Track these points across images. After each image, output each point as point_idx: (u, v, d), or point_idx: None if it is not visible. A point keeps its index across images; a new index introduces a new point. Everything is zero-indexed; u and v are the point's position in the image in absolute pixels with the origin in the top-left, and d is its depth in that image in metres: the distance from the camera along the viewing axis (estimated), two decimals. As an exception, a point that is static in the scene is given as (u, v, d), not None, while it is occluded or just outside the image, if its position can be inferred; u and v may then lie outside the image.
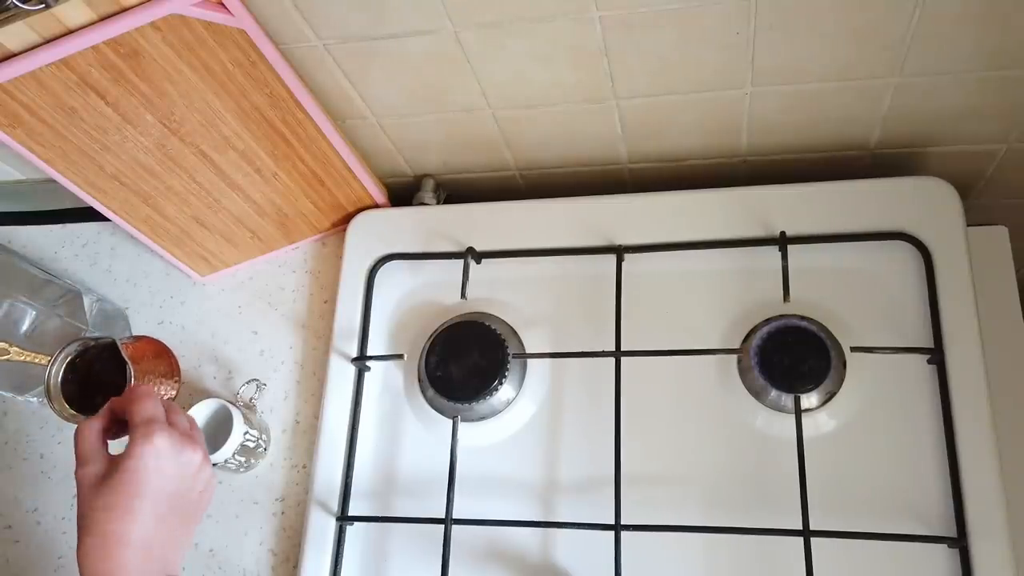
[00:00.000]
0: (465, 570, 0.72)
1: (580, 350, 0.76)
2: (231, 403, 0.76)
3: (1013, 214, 0.86)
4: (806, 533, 0.65)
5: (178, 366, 0.83)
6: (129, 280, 0.92)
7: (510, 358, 0.75)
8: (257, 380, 0.82)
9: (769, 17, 0.65)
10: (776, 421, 0.71)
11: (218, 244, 0.86)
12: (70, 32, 0.61)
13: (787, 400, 0.69)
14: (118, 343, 0.74)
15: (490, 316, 0.79)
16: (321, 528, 0.75)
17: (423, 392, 0.78)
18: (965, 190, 0.78)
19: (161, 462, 0.58)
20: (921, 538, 0.65)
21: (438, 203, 0.89)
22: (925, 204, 0.74)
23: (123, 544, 0.55)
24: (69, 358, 0.75)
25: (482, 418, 0.76)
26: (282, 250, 0.90)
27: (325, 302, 0.87)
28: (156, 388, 0.79)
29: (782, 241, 0.73)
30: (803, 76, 0.71)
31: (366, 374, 0.80)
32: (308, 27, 0.69)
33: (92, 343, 0.75)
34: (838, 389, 0.70)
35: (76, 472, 0.58)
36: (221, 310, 0.89)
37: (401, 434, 0.78)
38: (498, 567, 0.72)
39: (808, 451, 0.67)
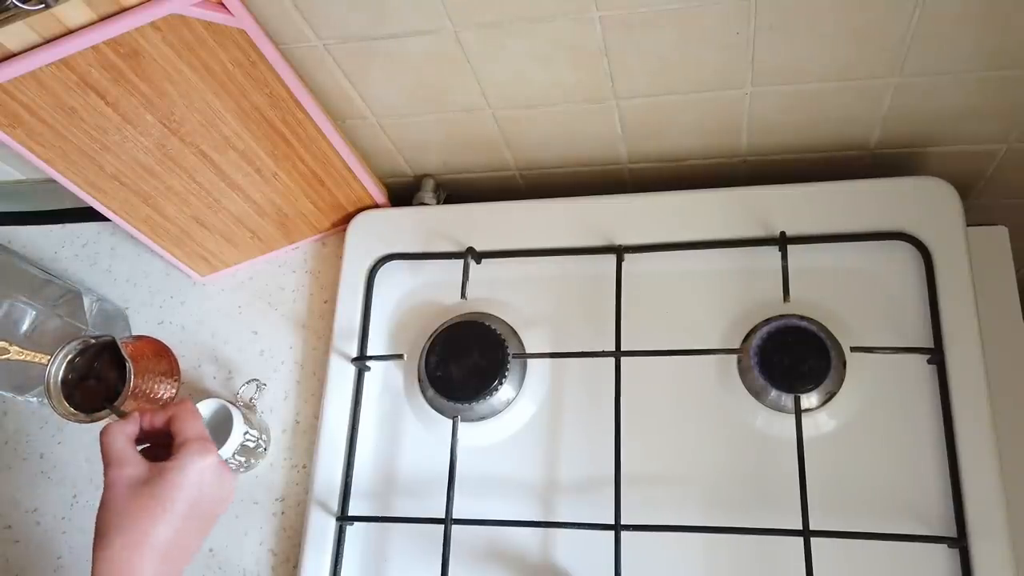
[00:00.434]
0: (465, 570, 0.72)
1: (580, 350, 0.76)
2: (231, 403, 0.76)
3: (1013, 214, 0.86)
4: (806, 533, 0.65)
5: (178, 366, 0.83)
6: (129, 280, 0.92)
7: (510, 358, 0.75)
8: (257, 380, 0.82)
9: (769, 17, 0.65)
10: (776, 421, 0.71)
11: (218, 244, 0.86)
12: (70, 32, 0.61)
13: (787, 400, 0.69)
14: (118, 341, 0.75)
15: (490, 316, 0.79)
16: (321, 528, 0.75)
17: (423, 392, 0.78)
18: (965, 190, 0.78)
19: (205, 479, 0.60)
20: (921, 538, 0.65)
21: (438, 203, 0.89)
22: (925, 204, 0.74)
23: (149, 547, 0.57)
24: (69, 356, 0.75)
25: (482, 418, 0.76)
26: (282, 250, 0.90)
27: (325, 302, 0.87)
28: (155, 387, 0.79)
29: (782, 241, 0.73)
30: (803, 76, 0.71)
31: (366, 374, 0.80)
32: (308, 27, 0.69)
33: (92, 341, 0.76)
34: (838, 389, 0.70)
35: (109, 472, 0.60)
36: (221, 310, 0.89)
37: (401, 434, 0.78)
38: (498, 567, 0.72)
39: (808, 451, 0.67)
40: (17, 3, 0.58)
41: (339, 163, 0.81)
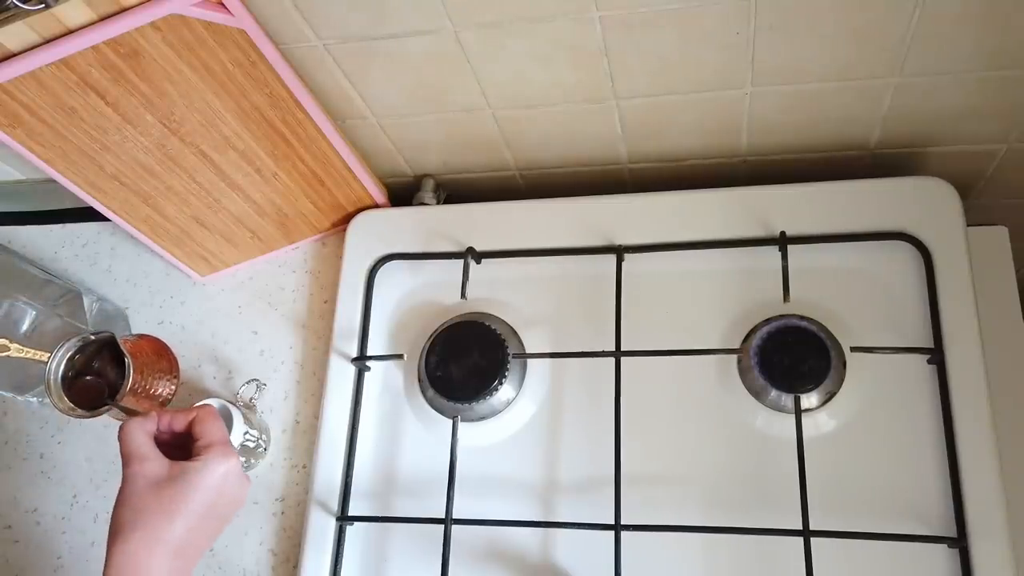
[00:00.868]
0: (465, 570, 0.72)
1: (580, 350, 0.76)
2: (231, 403, 0.76)
3: (1013, 214, 0.86)
4: (806, 533, 0.65)
5: (177, 364, 0.83)
6: (129, 280, 0.92)
7: (510, 358, 0.75)
8: (257, 380, 0.82)
9: (769, 17, 0.65)
10: (776, 421, 0.71)
11: (218, 244, 0.86)
12: (70, 32, 0.61)
13: (787, 400, 0.70)
14: (117, 338, 0.75)
15: (490, 316, 0.79)
16: (321, 528, 0.75)
17: (423, 392, 0.78)
18: (965, 190, 0.78)
19: (227, 484, 0.61)
20: (921, 538, 0.65)
21: (438, 203, 0.89)
22: (925, 204, 0.74)
23: (165, 544, 0.57)
24: (69, 353, 0.75)
25: (482, 418, 0.76)
26: (282, 250, 0.90)
27: (325, 302, 0.87)
28: (155, 385, 0.79)
29: (782, 241, 0.73)
30: (803, 76, 0.71)
31: (366, 374, 0.80)
32: (308, 27, 0.69)
33: (92, 338, 0.76)
34: (838, 389, 0.70)
35: (129, 467, 0.60)
36: (221, 310, 0.89)
37: (401, 434, 0.78)
38: (498, 567, 0.72)
39: (808, 451, 0.67)
40: (17, 3, 0.58)
41: (339, 163, 0.81)
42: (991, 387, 0.68)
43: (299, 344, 0.85)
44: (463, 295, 0.77)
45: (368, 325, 0.81)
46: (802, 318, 0.71)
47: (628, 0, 0.64)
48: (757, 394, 0.72)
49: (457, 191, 0.91)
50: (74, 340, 0.75)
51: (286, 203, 0.84)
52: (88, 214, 0.89)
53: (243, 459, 0.77)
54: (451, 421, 0.74)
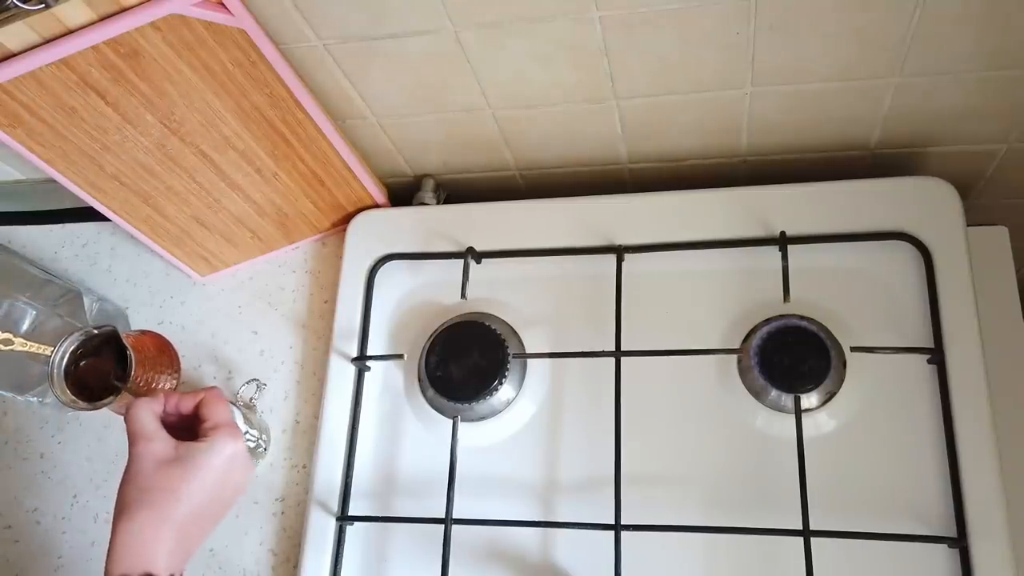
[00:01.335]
0: (465, 570, 0.72)
1: (580, 350, 0.76)
2: (231, 403, 0.76)
3: (1013, 214, 0.86)
4: (806, 533, 0.65)
5: (179, 360, 0.83)
6: (129, 280, 0.92)
7: (510, 358, 0.75)
8: (257, 380, 0.82)
9: (769, 17, 0.65)
10: (776, 421, 0.71)
11: (218, 244, 0.86)
12: (70, 32, 0.61)
13: (787, 400, 0.69)
14: (119, 332, 0.75)
15: (490, 316, 0.79)
16: (321, 528, 0.75)
17: (423, 392, 0.78)
18: (965, 190, 0.78)
19: (233, 466, 0.61)
20: (921, 538, 0.65)
21: (438, 203, 0.89)
22: (925, 204, 0.74)
23: (170, 523, 0.57)
24: (73, 346, 0.75)
25: (482, 418, 0.76)
26: (282, 250, 0.90)
27: (325, 302, 0.87)
28: (156, 379, 0.80)
29: (782, 241, 0.73)
30: (803, 76, 0.71)
31: (366, 374, 0.80)
32: (308, 27, 0.69)
33: (95, 332, 0.76)
34: (838, 389, 0.70)
35: (136, 446, 0.60)
36: (221, 310, 0.89)
37: (401, 434, 0.78)
38: (498, 567, 0.72)
39: (808, 451, 0.67)
40: (17, 3, 0.58)
41: (339, 163, 0.81)
42: (991, 387, 0.68)
43: (299, 344, 0.85)
44: (463, 295, 0.77)
45: (368, 325, 0.81)
46: (802, 318, 0.71)
47: (628, 0, 0.64)
48: (757, 394, 0.72)
49: (457, 191, 0.91)
50: (77, 334, 0.76)
51: (286, 203, 0.84)
52: (88, 214, 0.89)
53: (243, 459, 0.77)
54: (451, 421, 0.74)
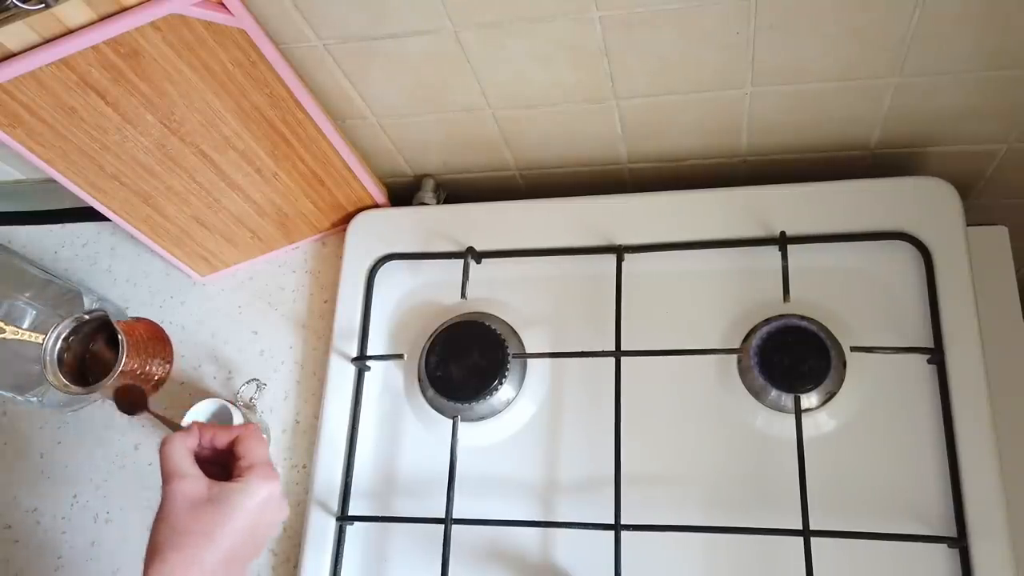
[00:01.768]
0: (465, 570, 0.72)
1: (580, 350, 0.76)
2: (231, 403, 0.76)
3: (1013, 214, 0.86)
4: (806, 533, 0.65)
5: (171, 346, 0.84)
6: (129, 280, 0.92)
7: (510, 358, 0.75)
8: (257, 380, 0.82)
9: (769, 17, 0.65)
10: (776, 421, 0.71)
11: (218, 244, 0.86)
12: (70, 32, 0.61)
13: (787, 400, 0.70)
14: (110, 317, 0.75)
15: (490, 316, 0.79)
16: (321, 528, 0.75)
17: (423, 392, 0.78)
18: (965, 190, 0.78)
19: (267, 508, 0.60)
20: (921, 538, 0.65)
21: (438, 203, 0.89)
22: (925, 204, 0.74)
23: (202, 565, 0.56)
24: (65, 332, 0.75)
25: (482, 418, 0.76)
26: (282, 250, 0.90)
27: (325, 302, 0.87)
28: (148, 364, 0.80)
29: (782, 241, 0.73)
30: (803, 76, 0.71)
31: (366, 374, 0.80)
32: (308, 27, 0.69)
33: (86, 318, 0.76)
34: (838, 389, 0.70)
35: (169, 484, 0.59)
36: (221, 310, 0.89)
37: (401, 434, 0.78)
38: (498, 567, 0.72)
39: (808, 451, 0.67)
40: (17, 3, 0.58)
41: (339, 163, 0.81)
42: (991, 387, 0.68)
43: (299, 344, 0.85)
44: (463, 295, 0.77)
45: (368, 325, 0.81)
46: (802, 318, 0.71)
47: (628, 0, 0.64)
48: (757, 394, 0.72)
49: (457, 191, 0.91)
50: (69, 320, 0.76)
51: (286, 203, 0.84)
52: (88, 214, 0.89)
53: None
54: (451, 421, 0.74)
